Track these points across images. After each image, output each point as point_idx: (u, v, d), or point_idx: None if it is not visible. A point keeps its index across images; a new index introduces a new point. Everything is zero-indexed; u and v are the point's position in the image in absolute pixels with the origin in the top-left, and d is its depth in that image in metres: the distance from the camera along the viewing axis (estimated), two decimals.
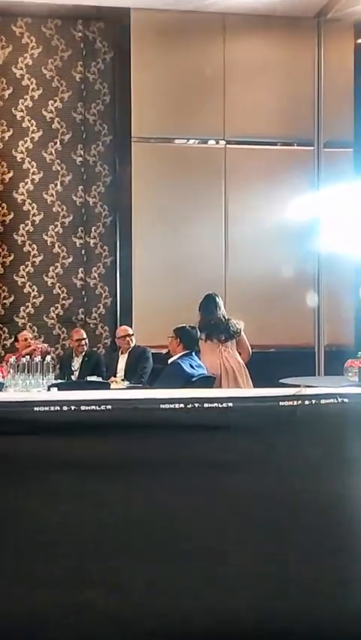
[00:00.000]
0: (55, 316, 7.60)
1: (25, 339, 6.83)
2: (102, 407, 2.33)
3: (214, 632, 2.26)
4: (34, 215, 7.54)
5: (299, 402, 2.41)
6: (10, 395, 4.49)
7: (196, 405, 2.38)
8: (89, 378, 6.26)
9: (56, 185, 7.55)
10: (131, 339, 6.80)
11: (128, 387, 6.09)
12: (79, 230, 7.62)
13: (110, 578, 2.28)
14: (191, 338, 5.50)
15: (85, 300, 7.64)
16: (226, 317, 5.91)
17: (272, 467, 2.41)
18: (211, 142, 7.75)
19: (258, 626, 2.26)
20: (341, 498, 2.38)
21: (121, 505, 2.34)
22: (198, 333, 5.61)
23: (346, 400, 2.41)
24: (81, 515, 2.32)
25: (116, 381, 6.31)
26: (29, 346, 6.74)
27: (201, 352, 5.77)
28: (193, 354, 5.50)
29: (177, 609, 2.25)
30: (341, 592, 2.32)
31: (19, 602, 2.21)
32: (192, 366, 5.38)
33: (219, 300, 6.02)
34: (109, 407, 2.34)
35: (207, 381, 5.45)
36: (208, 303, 5.97)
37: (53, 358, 7.06)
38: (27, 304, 7.57)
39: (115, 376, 6.62)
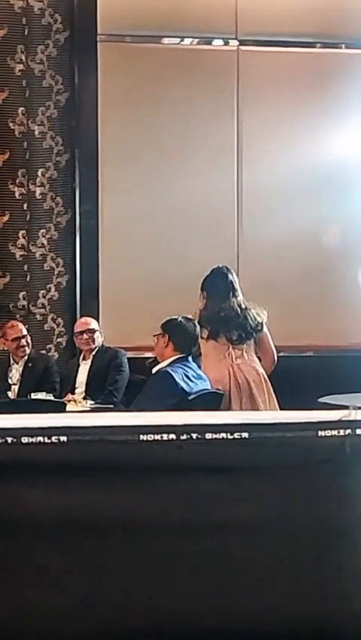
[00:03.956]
0: None
1: None
2: (54, 439, 2.35)
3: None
4: None
5: (348, 431, 2.43)
6: None
7: (194, 436, 2.39)
8: (33, 396, 6.27)
9: None
10: (94, 337, 6.80)
11: (92, 409, 6.10)
12: (19, 173, 7.60)
13: None
14: (186, 336, 5.52)
15: (28, 278, 7.62)
16: (244, 305, 5.89)
17: (308, 527, 2.43)
18: (218, 42, 7.75)
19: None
20: None
21: (85, 584, 2.36)
22: (198, 328, 5.62)
23: None
24: (27, 597, 2.34)
25: (74, 400, 6.33)
26: None
27: (203, 356, 5.78)
28: (190, 359, 5.52)
29: None
30: None
31: None
32: (188, 378, 5.40)
33: (234, 278, 5.99)
34: (64, 439, 2.35)
35: (212, 401, 5.47)
36: (217, 283, 5.95)
37: None
38: None
39: (73, 393, 6.64)
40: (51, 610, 2.36)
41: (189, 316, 5.68)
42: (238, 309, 5.84)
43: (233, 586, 2.42)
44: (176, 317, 5.56)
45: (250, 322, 5.85)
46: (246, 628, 2.42)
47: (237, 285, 5.96)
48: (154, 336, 5.58)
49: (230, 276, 5.98)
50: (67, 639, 2.37)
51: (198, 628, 2.41)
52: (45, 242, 7.63)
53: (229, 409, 5.67)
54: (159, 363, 5.56)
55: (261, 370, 5.92)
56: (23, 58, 7.57)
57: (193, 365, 5.55)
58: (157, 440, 2.38)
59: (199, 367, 5.63)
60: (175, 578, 2.41)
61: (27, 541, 2.37)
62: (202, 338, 5.75)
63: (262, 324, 5.90)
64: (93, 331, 6.84)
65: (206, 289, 5.97)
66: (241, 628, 2.42)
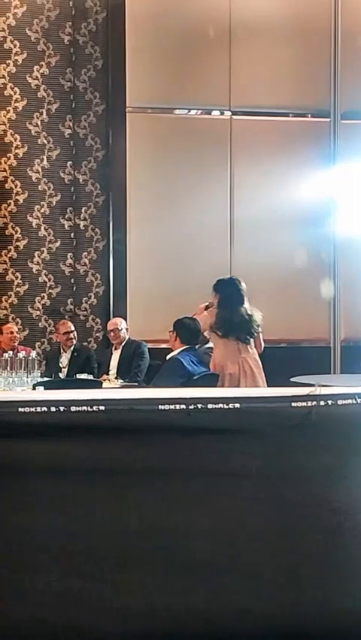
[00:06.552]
0: (41, 307, 7.59)
1: (11, 332, 6.82)
2: (94, 408, 2.34)
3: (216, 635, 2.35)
4: (17, 194, 7.52)
5: (314, 402, 2.42)
6: None
7: (199, 406, 2.39)
8: (78, 376, 6.25)
9: (42, 160, 7.53)
10: (120, 333, 6.78)
11: (122, 386, 6.08)
12: (67, 210, 7.60)
13: (102, 594, 2.30)
14: (191, 332, 5.43)
15: (74, 289, 7.62)
16: (250, 312, 5.49)
17: (284, 474, 2.42)
18: (215, 112, 7.73)
19: (264, 630, 2.31)
20: (358, 505, 2.40)
21: (115, 517, 2.35)
22: (199, 324, 5.47)
23: None
24: (70, 527, 2.33)
25: (108, 380, 6.31)
26: (13, 340, 6.74)
27: (214, 347, 5.56)
28: (195, 348, 5.48)
29: (178, 620, 2.29)
30: (356, 600, 2.35)
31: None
32: (193, 363, 5.34)
33: (243, 289, 5.53)
34: (102, 408, 2.35)
35: (210, 380, 5.43)
36: (232, 294, 5.47)
37: (38, 354, 7.09)
38: (9, 293, 7.56)
39: (107, 374, 6.62)
40: (99, 526, 2.35)
41: (194, 316, 5.59)
42: (247, 316, 5.48)
43: (225, 510, 2.41)
44: (182, 317, 5.49)
45: (254, 326, 5.57)
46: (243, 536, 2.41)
47: (245, 294, 5.56)
48: (169, 332, 5.55)
49: (240, 285, 5.57)
50: (109, 552, 2.35)
51: (204, 541, 2.40)
52: (87, 262, 7.64)
53: (222, 386, 5.56)
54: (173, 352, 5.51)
55: (258, 360, 5.65)
56: (71, 124, 7.58)
57: (198, 353, 5.51)
58: (171, 409, 2.37)
59: (201, 355, 5.54)
60: (183, 508, 2.41)
61: (70, 482, 2.36)
62: (216, 335, 5.44)
63: (259, 325, 5.65)
64: (120, 329, 6.83)
65: (219, 292, 5.53)
66: (240, 536, 2.40)
